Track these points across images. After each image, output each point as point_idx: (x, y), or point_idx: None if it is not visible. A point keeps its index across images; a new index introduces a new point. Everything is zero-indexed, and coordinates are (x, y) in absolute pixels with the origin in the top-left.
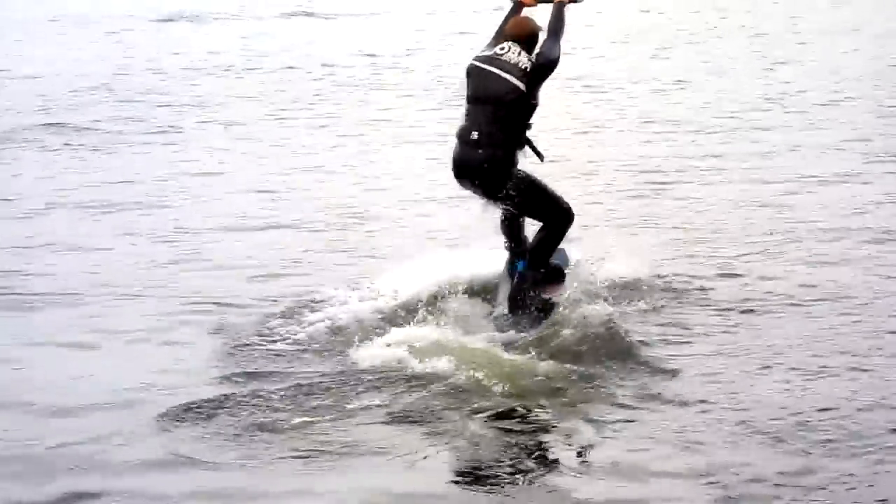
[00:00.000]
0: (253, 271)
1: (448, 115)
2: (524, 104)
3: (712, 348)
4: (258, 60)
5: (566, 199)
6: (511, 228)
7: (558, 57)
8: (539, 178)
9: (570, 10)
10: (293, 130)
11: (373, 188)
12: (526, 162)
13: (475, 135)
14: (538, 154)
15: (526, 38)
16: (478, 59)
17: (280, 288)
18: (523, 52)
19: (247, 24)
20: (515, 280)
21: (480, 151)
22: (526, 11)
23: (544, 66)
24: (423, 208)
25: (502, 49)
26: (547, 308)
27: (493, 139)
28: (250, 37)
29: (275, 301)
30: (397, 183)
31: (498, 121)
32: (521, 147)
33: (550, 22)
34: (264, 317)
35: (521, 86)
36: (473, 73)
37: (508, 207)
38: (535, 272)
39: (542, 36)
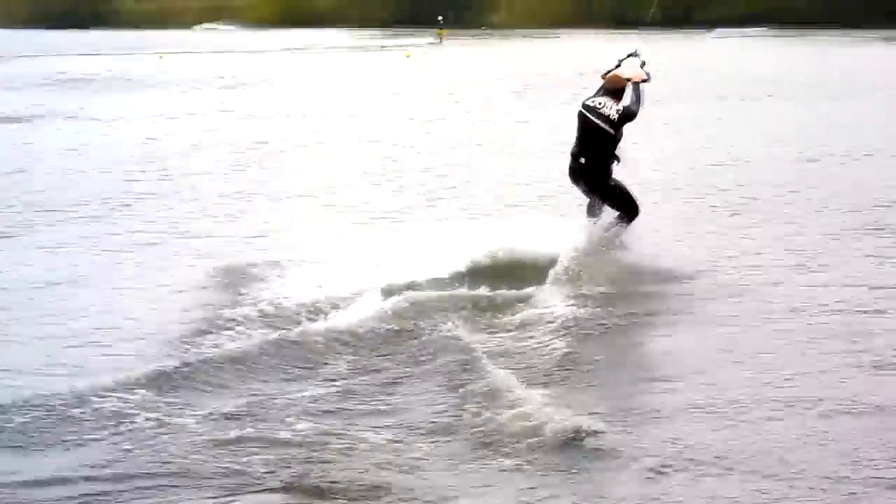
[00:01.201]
0: None
1: None
2: (611, 139)
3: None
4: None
5: (638, 198)
6: (594, 208)
7: (637, 112)
8: (624, 184)
9: (644, 86)
10: None
11: None
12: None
13: (581, 157)
14: (618, 160)
15: (618, 90)
16: (585, 106)
17: None
18: (614, 105)
19: None
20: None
21: (584, 164)
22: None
23: (626, 117)
24: None
25: (601, 104)
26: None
27: (591, 159)
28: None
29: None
30: None
31: (594, 148)
32: (612, 162)
33: (632, 92)
34: None
35: (610, 130)
36: (581, 116)
37: (599, 197)
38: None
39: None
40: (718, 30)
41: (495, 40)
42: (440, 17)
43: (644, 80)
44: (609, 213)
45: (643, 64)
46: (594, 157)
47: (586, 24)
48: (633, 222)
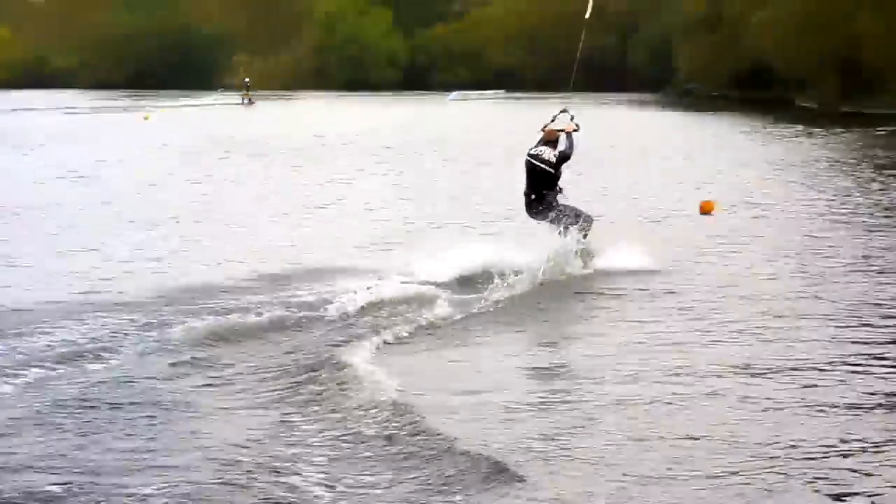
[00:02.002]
0: None
1: None
2: (553, 177)
3: None
4: None
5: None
6: (560, 231)
7: (571, 154)
8: (572, 203)
9: (575, 135)
10: None
11: None
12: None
13: (532, 195)
14: (561, 190)
15: (553, 140)
16: (529, 154)
17: None
18: (552, 151)
19: None
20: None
21: (535, 199)
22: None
23: (563, 159)
24: None
25: (542, 151)
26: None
27: (540, 194)
28: None
29: None
30: None
31: (542, 186)
32: (556, 193)
33: (566, 140)
34: None
35: (552, 170)
36: (527, 163)
37: (555, 223)
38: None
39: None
40: (456, 92)
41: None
42: (247, 80)
43: (575, 130)
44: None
45: (572, 118)
46: (543, 192)
47: (322, 86)
48: (591, 231)
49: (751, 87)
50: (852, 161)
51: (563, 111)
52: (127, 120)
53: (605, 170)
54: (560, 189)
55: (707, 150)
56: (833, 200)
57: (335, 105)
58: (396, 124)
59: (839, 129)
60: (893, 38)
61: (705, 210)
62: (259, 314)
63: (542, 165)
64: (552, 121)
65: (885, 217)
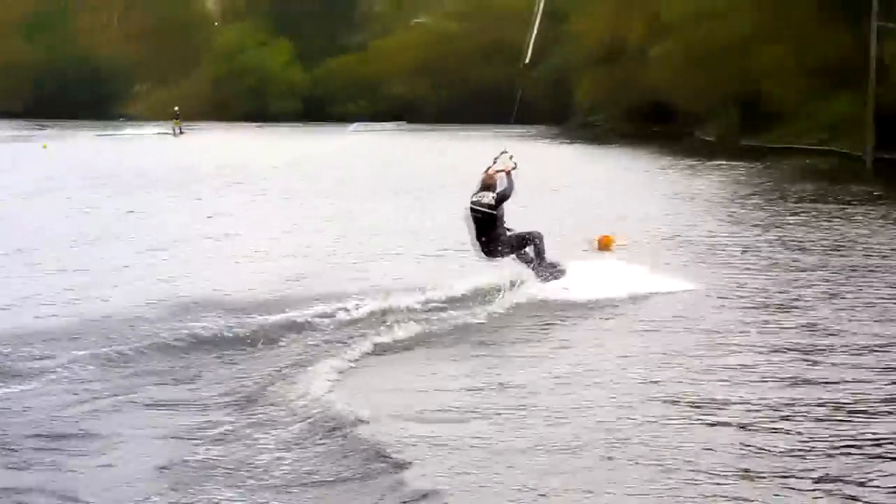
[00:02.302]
0: None
1: None
2: (495, 217)
3: None
4: None
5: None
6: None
7: (510, 193)
8: (514, 232)
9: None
10: None
11: None
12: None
13: (482, 238)
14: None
15: (490, 186)
16: (471, 202)
17: None
18: (490, 194)
19: None
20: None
21: (486, 242)
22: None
23: (503, 199)
24: None
25: (482, 196)
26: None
27: (489, 236)
28: None
29: None
30: None
31: (488, 228)
32: (503, 231)
33: (507, 179)
34: None
35: (493, 211)
36: (471, 211)
37: (506, 254)
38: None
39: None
40: (357, 124)
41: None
42: (176, 109)
43: (513, 168)
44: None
45: (511, 157)
46: (491, 233)
47: (220, 118)
48: (543, 244)
49: (651, 121)
50: (759, 193)
51: (503, 152)
52: (28, 148)
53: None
54: (504, 223)
55: (611, 184)
56: (741, 233)
57: (239, 136)
58: (301, 157)
59: (741, 163)
60: (791, 72)
61: (604, 245)
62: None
63: (485, 210)
64: (494, 162)
65: (795, 251)
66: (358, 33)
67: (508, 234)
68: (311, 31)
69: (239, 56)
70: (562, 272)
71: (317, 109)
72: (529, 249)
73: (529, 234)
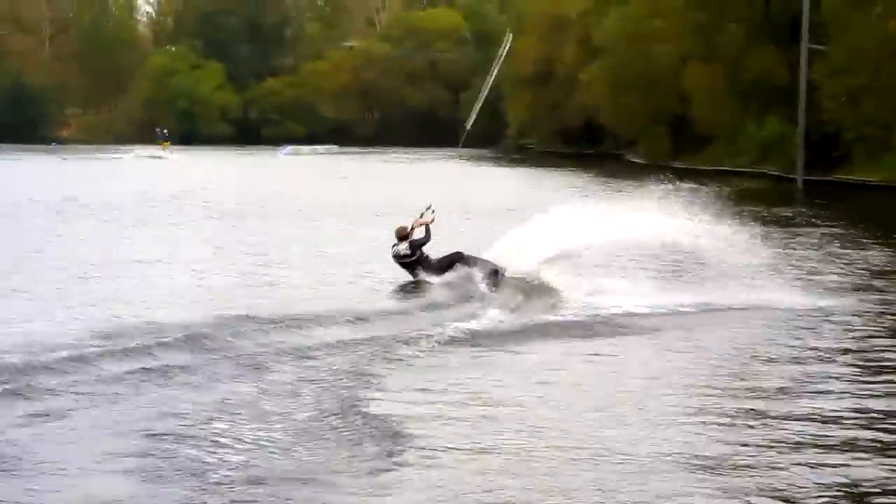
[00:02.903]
0: None
1: None
2: (416, 261)
3: None
4: None
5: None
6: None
7: (426, 240)
8: (437, 258)
9: (430, 223)
10: None
11: None
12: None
13: (413, 275)
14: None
15: (404, 236)
16: (392, 255)
17: None
18: (405, 244)
19: None
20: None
21: (417, 275)
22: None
23: (418, 246)
24: None
25: (400, 248)
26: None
27: (416, 273)
28: None
29: None
30: None
31: (414, 270)
32: (427, 263)
33: (424, 230)
34: None
35: (413, 257)
36: (394, 259)
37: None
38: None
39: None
40: (289, 147)
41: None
42: (165, 130)
43: (432, 221)
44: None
45: (433, 211)
46: (417, 271)
47: (153, 141)
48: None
49: (582, 143)
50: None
51: (428, 208)
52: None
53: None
54: (429, 261)
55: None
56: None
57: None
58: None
59: (672, 185)
60: (721, 94)
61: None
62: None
63: (404, 259)
64: (420, 216)
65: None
66: (288, 56)
67: (432, 260)
68: (241, 53)
69: (170, 79)
70: (503, 270)
71: (249, 132)
72: (463, 269)
73: (449, 256)
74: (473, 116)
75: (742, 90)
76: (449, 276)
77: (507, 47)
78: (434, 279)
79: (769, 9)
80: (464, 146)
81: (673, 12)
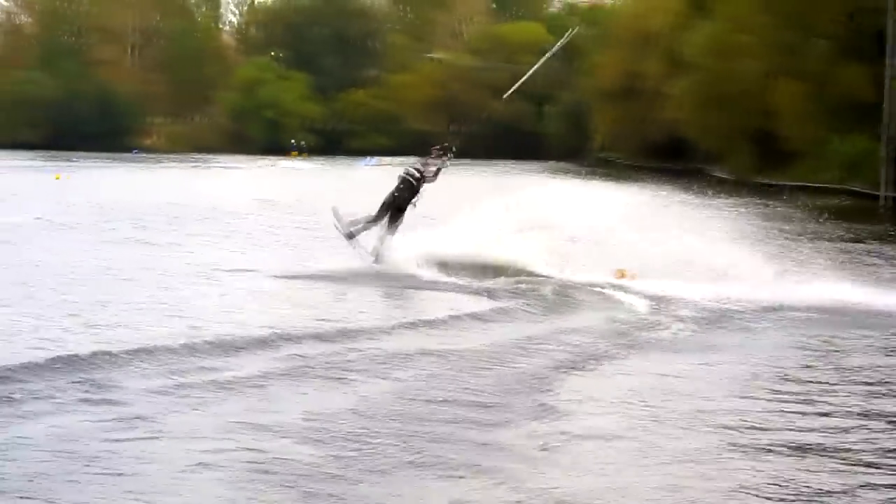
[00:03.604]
0: None
1: None
2: (412, 186)
3: None
4: None
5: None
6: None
7: (429, 182)
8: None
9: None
10: None
11: None
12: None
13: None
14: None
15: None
16: (412, 167)
17: None
18: (428, 168)
19: None
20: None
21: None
22: None
23: (424, 179)
24: None
25: (419, 166)
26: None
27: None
28: None
29: None
30: None
31: (403, 189)
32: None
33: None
34: None
35: (416, 180)
36: (407, 171)
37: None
38: None
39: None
40: (372, 158)
41: (154, 164)
42: (303, 142)
43: (445, 167)
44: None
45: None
46: (402, 196)
47: (236, 150)
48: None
49: (666, 158)
50: (779, 231)
51: (448, 157)
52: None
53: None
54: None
55: (628, 218)
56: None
57: (260, 169)
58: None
59: (757, 200)
60: (807, 110)
61: (621, 276)
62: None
63: (412, 176)
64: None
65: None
66: (374, 67)
67: (405, 197)
68: (327, 64)
69: (256, 89)
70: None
71: (333, 143)
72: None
73: (397, 207)
74: (513, 90)
75: (828, 106)
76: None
77: (567, 39)
78: (386, 206)
79: (855, 25)
80: (543, 158)
81: (759, 28)
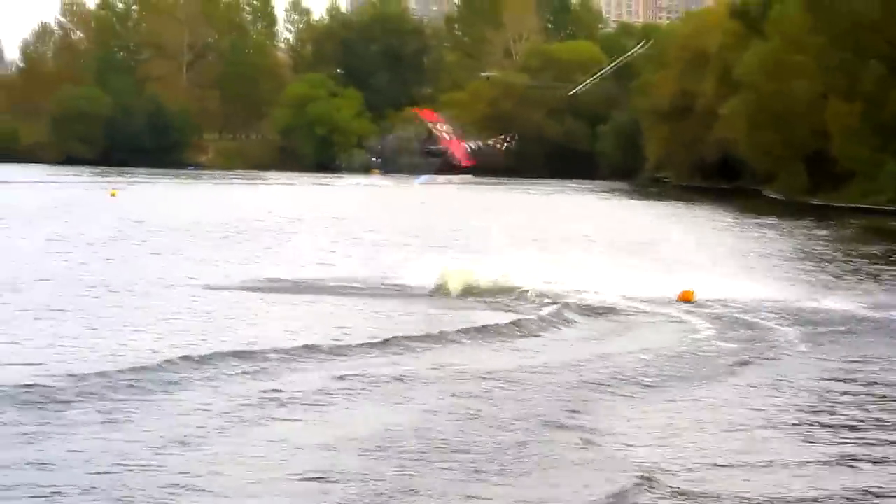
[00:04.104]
0: None
1: None
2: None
3: None
4: None
5: None
6: None
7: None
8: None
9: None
10: None
11: None
12: None
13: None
14: None
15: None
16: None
17: None
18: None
19: None
20: None
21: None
22: None
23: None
24: None
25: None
26: None
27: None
28: None
29: None
30: None
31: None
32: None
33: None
34: None
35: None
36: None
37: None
38: None
39: None
40: (425, 176)
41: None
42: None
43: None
44: None
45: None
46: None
47: (288, 167)
48: None
49: (718, 177)
50: (835, 253)
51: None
52: (96, 195)
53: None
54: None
55: (684, 241)
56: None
57: (307, 187)
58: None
59: (810, 222)
60: (860, 131)
61: (684, 299)
62: None
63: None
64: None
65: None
66: (427, 85)
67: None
68: (380, 81)
69: (308, 106)
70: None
71: (386, 160)
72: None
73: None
74: (583, 87)
75: (882, 127)
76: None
77: (638, 51)
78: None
79: None
80: (596, 178)
81: (813, 48)
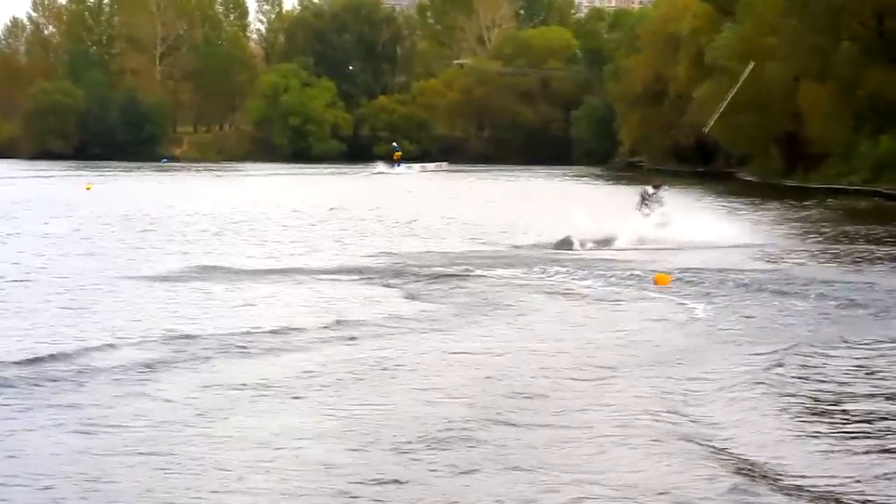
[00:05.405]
0: None
1: None
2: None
3: None
4: None
5: None
6: None
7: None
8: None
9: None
10: None
11: None
12: None
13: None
14: None
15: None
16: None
17: None
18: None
19: None
20: None
21: None
22: None
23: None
24: None
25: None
26: None
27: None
28: None
29: None
30: None
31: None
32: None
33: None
34: None
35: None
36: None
37: None
38: None
39: None
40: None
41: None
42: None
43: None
44: None
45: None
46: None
47: (266, 158)
48: None
49: (693, 161)
50: (810, 233)
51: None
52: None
53: None
54: None
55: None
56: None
57: (284, 178)
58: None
59: (787, 202)
60: (834, 112)
61: (660, 283)
62: None
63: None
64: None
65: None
66: (400, 74)
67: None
68: (353, 71)
69: (282, 97)
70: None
71: (360, 150)
72: None
73: None
74: (712, 121)
75: (855, 109)
76: None
77: (747, 73)
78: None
79: (882, 27)
80: (569, 163)
81: (786, 31)
